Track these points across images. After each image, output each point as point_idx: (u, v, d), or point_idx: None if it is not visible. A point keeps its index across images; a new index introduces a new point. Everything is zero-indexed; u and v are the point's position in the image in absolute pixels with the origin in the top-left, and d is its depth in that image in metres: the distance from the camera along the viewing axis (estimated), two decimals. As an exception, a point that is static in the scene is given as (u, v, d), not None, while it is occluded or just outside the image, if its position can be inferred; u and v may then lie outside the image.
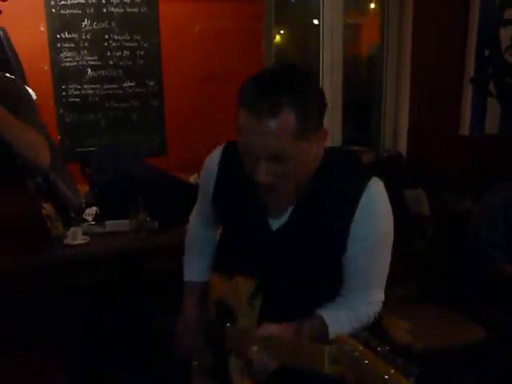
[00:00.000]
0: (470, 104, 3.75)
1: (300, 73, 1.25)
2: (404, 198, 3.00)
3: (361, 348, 0.90)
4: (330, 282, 1.38)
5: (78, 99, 3.09)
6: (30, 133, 1.70)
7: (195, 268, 1.64)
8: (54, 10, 2.96)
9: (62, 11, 2.97)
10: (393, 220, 1.34)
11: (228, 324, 1.35)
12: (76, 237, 2.55)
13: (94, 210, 2.78)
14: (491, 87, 3.77)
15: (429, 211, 3.07)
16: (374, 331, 1.51)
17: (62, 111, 3.06)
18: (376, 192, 1.30)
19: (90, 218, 2.75)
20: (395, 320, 2.37)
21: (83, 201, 2.84)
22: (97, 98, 3.13)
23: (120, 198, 2.80)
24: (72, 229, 2.56)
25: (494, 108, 3.77)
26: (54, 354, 1.81)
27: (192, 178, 3.08)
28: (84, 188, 2.90)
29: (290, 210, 1.34)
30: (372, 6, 4.02)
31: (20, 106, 1.73)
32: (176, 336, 1.63)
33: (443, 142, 3.64)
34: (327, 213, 1.30)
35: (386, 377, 0.84)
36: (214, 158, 1.47)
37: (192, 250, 1.68)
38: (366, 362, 0.88)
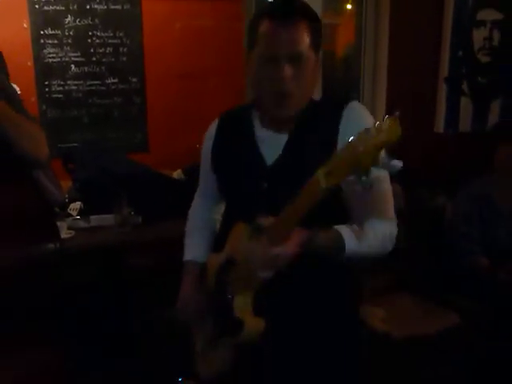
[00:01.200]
0: (444, 103, 3.87)
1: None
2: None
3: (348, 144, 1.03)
4: (333, 219, 1.39)
5: (60, 95, 3.11)
6: (28, 124, 1.74)
7: (194, 248, 1.71)
8: (37, 6, 2.97)
9: (46, 7, 2.99)
10: None
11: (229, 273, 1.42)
12: (61, 231, 2.58)
13: (78, 204, 2.81)
14: (465, 87, 3.89)
15: (404, 206, 3.16)
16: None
17: (44, 107, 3.07)
18: (356, 105, 1.43)
19: (74, 213, 2.77)
20: (371, 308, 2.45)
21: (66, 196, 2.86)
22: (80, 94, 3.15)
23: (104, 193, 2.83)
24: (57, 223, 2.58)
25: (467, 107, 3.90)
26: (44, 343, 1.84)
27: (175, 174, 3.13)
28: (67, 183, 2.92)
29: (282, 143, 1.43)
30: (348, 6, 4.09)
31: (12, 100, 1.76)
32: (177, 311, 1.67)
33: (419, 140, 3.74)
34: (316, 138, 1.39)
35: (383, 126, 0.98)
36: (212, 125, 1.62)
37: (192, 231, 1.76)
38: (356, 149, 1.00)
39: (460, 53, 3.84)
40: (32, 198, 1.82)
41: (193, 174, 3.10)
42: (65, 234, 2.58)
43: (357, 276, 1.57)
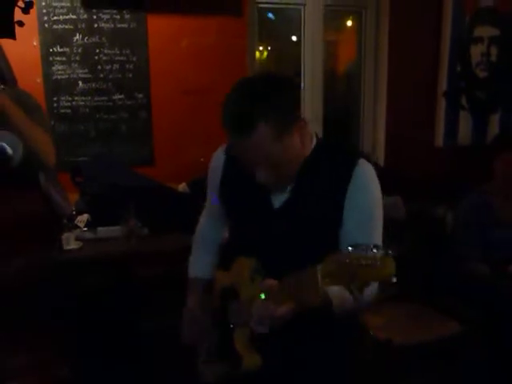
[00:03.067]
0: (443, 117, 3.95)
1: (267, 79, 1.37)
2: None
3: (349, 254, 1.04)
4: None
5: (69, 110, 3.19)
6: (39, 131, 1.86)
7: (200, 265, 1.75)
8: (46, 26, 3.07)
9: (55, 26, 3.08)
10: (380, 196, 1.46)
11: (232, 303, 1.45)
12: (69, 242, 2.65)
13: (85, 217, 2.88)
14: (463, 101, 3.97)
15: (405, 216, 3.22)
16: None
17: (53, 122, 3.15)
18: (366, 168, 1.44)
19: (81, 225, 2.84)
20: (370, 317, 2.49)
21: (73, 208, 2.93)
22: (87, 110, 3.23)
23: (110, 206, 2.90)
24: (65, 234, 2.65)
25: (466, 120, 3.98)
26: (55, 349, 1.90)
27: (180, 187, 3.19)
28: (74, 196, 3.00)
29: (290, 187, 1.46)
30: (349, 23, 4.18)
31: (30, 110, 1.89)
32: (182, 326, 1.71)
33: (419, 153, 3.81)
34: (324, 188, 1.43)
35: (378, 262, 1.00)
36: (219, 153, 1.62)
37: (198, 248, 1.80)
38: (357, 261, 1.02)
39: (458, 68, 3.92)
40: (39, 208, 1.90)
41: (197, 187, 3.18)
42: (73, 244, 2.65)
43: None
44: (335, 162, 1.46)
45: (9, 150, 1.32)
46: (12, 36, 2.08)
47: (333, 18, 4.09)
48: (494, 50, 3.95)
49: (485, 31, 3.92)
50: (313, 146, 1.47)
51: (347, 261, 1.03)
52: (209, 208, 1.77)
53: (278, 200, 1.48)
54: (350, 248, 1.06)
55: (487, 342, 2.49)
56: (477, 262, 2.69)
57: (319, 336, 1.50)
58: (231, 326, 1.46)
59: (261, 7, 3.69)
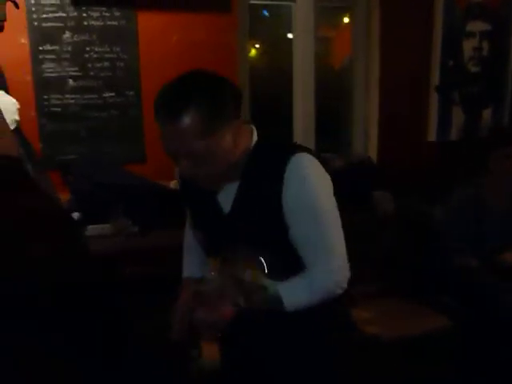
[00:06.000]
0: (436, 112, 3.95)
1: (202, 77, 1.38)
2: (371, 199, 3.15)
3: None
4: (289, 259, 1.46)
5: (59, 109, 3.18)
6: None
7: (191, 265, 1.80)
8: (35, 23, 3.06)
9: (44, 24, 3.07)
10: (328, 188, 1.44)
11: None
12: (59, 240, 2.65)
13: (76, 215, 2.88)
14: (455, 96, 3.97)
15: (394, 211, 3.23)
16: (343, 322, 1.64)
17: (44, 121, 3.14)
18: (299, 162, 1.41)
19: (72, 223, 2.84)
20: (359, 311, 2.49)
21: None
22: (77, 108, 3.21)
23: (101, 204, 2.90)
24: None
25: (458, 115, 3.98)
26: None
27: (172, 184, 3.19)
28: (65, 195, 2.99)
29: (235, 190, 1.48)
30: (346, 20, 4.18)
31: None
32: (172, 322, 1.74)
33: (411, 147, 3.82)
34: (262, 188, 1.42)
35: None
36: None
37: (188, 248, 1.84)
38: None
39: (450, 63, 3.93)
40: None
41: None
42: (63, 243, 2.65)
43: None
44: (272, 160, 1.43)
45: None
46: None
47: (328, 15, 4.09)
48: (485, 45, 3.95)
49: (476, 26, 3.92)
50: (252, 146, 1.45)
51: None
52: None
53: (227, 204, 1.50)
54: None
55: (475, 336, 2.49)
56: (466, 256, 2.69)
57: (296, 334, 1.51)
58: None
59: (253, 4, 3.68)
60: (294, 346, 1.52)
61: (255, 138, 1.47)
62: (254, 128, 1.50)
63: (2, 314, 1.30)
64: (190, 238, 1.83)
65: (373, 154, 3.97)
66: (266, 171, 1.42)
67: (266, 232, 1.44)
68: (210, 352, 1.43)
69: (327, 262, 1.42)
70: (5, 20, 2.28)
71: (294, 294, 1.40)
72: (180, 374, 1.79)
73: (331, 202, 1.44)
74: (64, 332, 1.39)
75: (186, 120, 1.28)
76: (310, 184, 1.40)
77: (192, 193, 1.59)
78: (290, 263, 1.45)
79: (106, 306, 2.27)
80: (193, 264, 1.79)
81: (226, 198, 1.49)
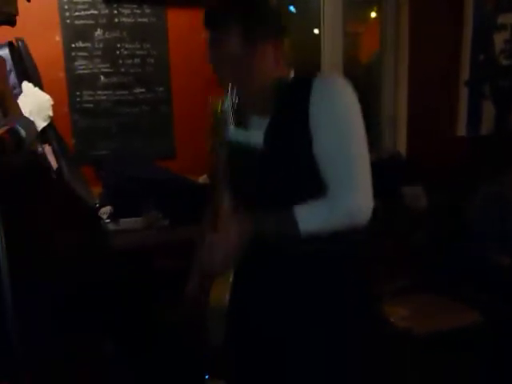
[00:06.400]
0: (466, 106, 3.91)
1: None
2: (402, 195, 3.14)
3: None
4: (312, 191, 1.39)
5: (91, 105, 3.23)
6: None
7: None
8: (68, 21, 3.11)
9: (76, 21, 3.13)
10: (356, 107, 1.39)
11: None
12: (92, 233, 2.70)
13: (108, 209, 2.93)
14: (486, 90, 3.92)
15: (426, 206, 3.20)
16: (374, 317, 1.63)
17: (76, 117, 3.20)
18: (326, 78, 1.42)
19: (105, 217, 2.89)
20: (394, 307, 2.49)
21: (97, 201, 2.98)
22: (109, 104, 3.27)
23: (133, 198, 2.95)
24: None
25: (489, 110, 3.92)
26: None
27: (201, 179, 3.22)
28: (98, 189, 3.05)
29: (267, 121, 1.47)
30: (373, 14, 4.16)
31: None
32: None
33: (441, 142, 3.78)
34: (291, 116, 1.41)
35: None
36: None
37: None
38: None
39: (481, 56, 3.87)
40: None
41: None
42: (96, 236, 2.70)
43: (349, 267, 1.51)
44: (298, 86, 1.43)
45: (22, 133, 1.36)
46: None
47: (356, 10, 4.07)
48: (517, 38, 3.89)
49: (508, 18, 3.86)
50: (290, 75, 1.48)
51: None
52: None
53: (258, 143, 1.47)
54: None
55: (508, 331, 2.46)
56: (497, 253, 2.67)
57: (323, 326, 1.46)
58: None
59: (280, -1, 3.68)
60: (316, 328, 1.46)
61: (292, 75, 1.49)
62: (292, 69, 1.51)
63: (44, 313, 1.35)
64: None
65: (402, 149, 3.94)
66: (293, 98, 1.42)
67: (294, 164, 1.39)
68: (219, 293, 1.40)
69: (352, 183, 1.35)
70: (17, 14, 2.31)
71: (312, 214, 1.33)
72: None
73: (359, 121, 1.38)
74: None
75: (229, 28, 1.39)
76: (337, 101, 1.37)
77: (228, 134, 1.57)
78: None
79: (129, 299, 2.31)
80: None
81: (258, 133, 1.47)
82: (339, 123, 1.36)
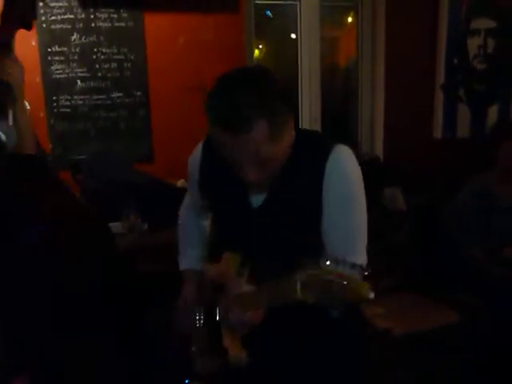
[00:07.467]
0: (441, 109, 3.96)
1: (257, 74, 1.33)
2: (381, 197, 3.17)
3: (330, 270, 1.02)
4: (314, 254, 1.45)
5: (68, 109, 3.22)
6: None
7: (189, 256, 1.73)
8: (44, 25, 3.10)
9: (53, 26, 3.11)
10: (362, 181, 1.42)
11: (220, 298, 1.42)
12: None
13: (86, 213, 2.90)
14: (461, 93, 3.97)
15: (405, 207, 3.24)
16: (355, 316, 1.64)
17: (53, 121, 3.18)
18: (341, 155, 1.39)
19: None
20: (371, 307, 2.50)
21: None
22: (86, 108, 3.26)
23: (111, 202, 2.92)
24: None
25: (464, 112, 3.98)
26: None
27: (179, 183, 3.21)
28: (76, 194, 3.02)
29: (267, 186, 1.42)
30: (350, 19, 4.20)
31: None
32: (176, 312, 1.70)
33: (417, 145, 3.82)
34: (301, 182, 1.39)
35: (354, 285, 0.98)
36: (197, 149, 1.58)
37: (184, 239, 1.77)
38: (337, 280, 1.00)
39: (455, 60, 3.93)
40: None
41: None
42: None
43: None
44: (312, 152, 1.41)
45: (3, 137, 1.33)
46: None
47: (333, 15, 4.11)
48: (490, 42, 3.94)
49: (481, 23, 3.92)
50: (293, 141, 1.40)
51: (326, 277, 1.02)
52: (189, 200, 1.75)
53: (256, 199, 1.44)
54: (328, 262, 1.03)
55: (486, 330, 2.49)
56: (476, 250, 2.70)
57: (317, 333, 1.49)
58: (219, 320, 1.44)
59: (257, 4, 3.71)
60: (308, 341, 1.50)
61: (294, 133, 1.41)
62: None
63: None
64: (185, 231, 1.78)
65: (379, 151, 3.99)
66: (305, 167, 1.40)
67: (298, 229, 1.41)
68: (235, 348, 1.40)
69: (354, 249, 1.40)
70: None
71: None
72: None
73: (363, 196, 1.43)
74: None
75: (256, 128, 1.21)
76: (349, 181, 1.40)
77: (215, 185, 1.52)
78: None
79: (125, 302, 2.29)
80: (190, 257, 1.73)
81: (255, 192, 1.44)
82: (352, 200, 1.40)
